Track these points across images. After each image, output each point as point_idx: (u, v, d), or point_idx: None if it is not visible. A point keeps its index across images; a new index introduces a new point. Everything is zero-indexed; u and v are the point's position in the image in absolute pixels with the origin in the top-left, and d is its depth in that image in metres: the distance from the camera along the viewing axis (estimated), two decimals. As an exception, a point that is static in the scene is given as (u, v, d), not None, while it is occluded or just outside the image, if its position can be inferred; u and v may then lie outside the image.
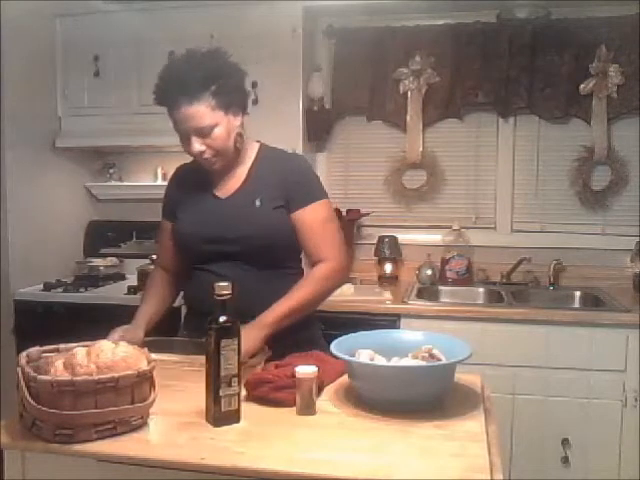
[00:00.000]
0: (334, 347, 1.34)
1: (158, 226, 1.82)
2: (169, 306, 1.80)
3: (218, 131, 1.56)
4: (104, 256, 3.17)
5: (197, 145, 1.57)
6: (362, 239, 3.13)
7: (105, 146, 3.15)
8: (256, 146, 1.72)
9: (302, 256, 1.75)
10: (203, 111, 1.53)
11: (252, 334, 1.48)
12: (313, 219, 1.63)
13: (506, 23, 2.83)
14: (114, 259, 3.15)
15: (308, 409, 1.24)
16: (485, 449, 1.10)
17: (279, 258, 1.66)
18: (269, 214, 1.62)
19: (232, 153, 1.63)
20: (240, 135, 1.63)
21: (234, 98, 1.59)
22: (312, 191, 1.66)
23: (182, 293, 1.85)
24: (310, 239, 1.63)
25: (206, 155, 1.59)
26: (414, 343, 1.39)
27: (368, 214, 3.06)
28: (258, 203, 1.62)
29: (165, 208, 1.79)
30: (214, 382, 1.17)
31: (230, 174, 1.68)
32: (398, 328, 2.42)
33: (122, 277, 3.06)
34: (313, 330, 1.75)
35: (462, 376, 1.41)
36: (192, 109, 1.52)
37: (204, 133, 1.55)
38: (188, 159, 1.83)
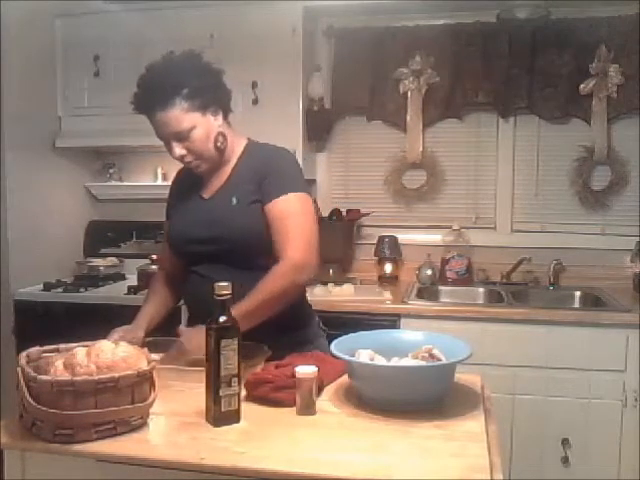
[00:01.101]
0: (334, 347, 1.34)
1: (162, 224, 1.83)
2: (171, 307, 1.80)
3: (196, 133, 1.56)
4: (104, 256, 3.17)
5: (177, 149, 1.57)
6: (362, 239, 3.13)
7: (105, 146, 3.15)
8: (243, 143, 1.69)
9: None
10: (177, 115, 1.53)
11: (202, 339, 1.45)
12: (281, 212, 1.56)
13: (506, 23, 2.83)
14: (114, 259, 3.15)
15: (308, 409, 1.24)
16: (485, 449, 1.10)
17: (262, 258, 1.59)
18: (245, 212, 1.58)
19: (214, 154, 1.61)
20: (222, 135, 1.61)
21: (211, 98, 1.58)
22: (284, 183, 1.59)
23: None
24: (276, 232, 1.56)
25: (188, 159, 1.59)
26: (414, 343, 1.39)
27: (368, 214, 3.06)
28: (234, 201, 1.60)
29: (166, 210, 1.81)
30: (214, 382, 1.17)
31: (216, 174, 1.67)
32: (398, 328, 2.42)
33: (122, 277, 3.06)
34: (312, 330, 1.74)
35: (462, 376, 1.41)
36: (166, 115, 1.53)
37: (182, 137, 1.55)
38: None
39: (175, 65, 1.57)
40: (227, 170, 1.67)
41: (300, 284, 1.59)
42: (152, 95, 1.53)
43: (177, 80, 1.53)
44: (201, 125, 1.56)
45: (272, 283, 1.52)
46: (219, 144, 1.61)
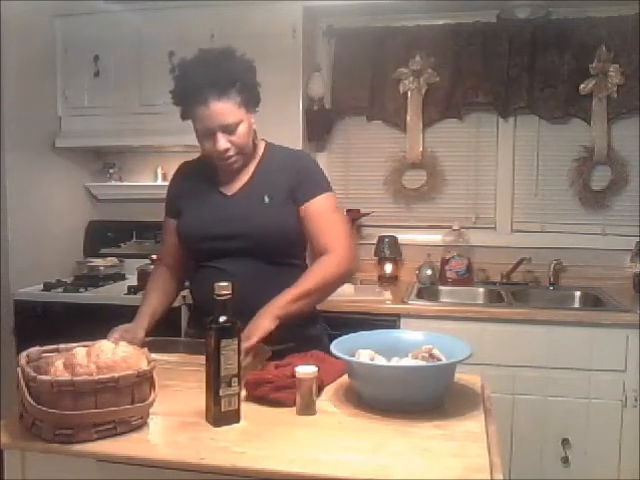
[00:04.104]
0: (334, 347, 1.34)
1: (162, 224, 1.82)
2: (172, 302, 1.80)
3: (242, 128, 1.58)
4: (104, 256, 3.16)
5: (223, 142, 1.57)
6: (362, 239, 3.13)
7: (105, 146, 3.15)
8: (262, 143, 1.74)
9: (306, 252, 1.76)
10: (230, 108, 1.55)
11: (260, 321, 1.49)
12: (320, 211, 1.65)
13: (506, 23, 2.83)
14: (114, 259, 3.14)
15: (308, 409, 1.24)
16: (485, 449, 1.10)
17: (286, 253, 1.67)
18: (278, 210, 1.63)
19: (251, 150, 1.66)
20: (255, 132, 1.66)
21: (252, 95, 1.61)
22: (318, 184, 1.68)
23: (183, 291, 1.86)
24: (317, 230, 1.64)
25: (230, 152, 1.60)
26: (414, 343, 1.39)
27: (368, 214, 3.06)
28: (267, 199, 1.63)
29: (168, 206, 1.79)
30: (214, 382, 1.17)
31: (238, 171, 1.68)
32: (398, 328, 2.42)
33: (122, 277, 3.06)
34: (317, 329, 1.76)
35: (462, 376, 1.42)
36: (221, 105, 1.54)
37: (230, 130, 1.57)
38: (188, 159, 1.83)
39: (222, 59, 1.57)
40: (250, 168, 1.69)
41: (352, 273, 1.75)
42: (206, 85, 1.53)
43: (230, 73, 1.55)
44: (246, 121, 1.59)
45: (325, 272, 1.61)
46: (255, 141, 1.67)
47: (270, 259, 1.64)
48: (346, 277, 1.71)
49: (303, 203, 1.64)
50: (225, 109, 1.54)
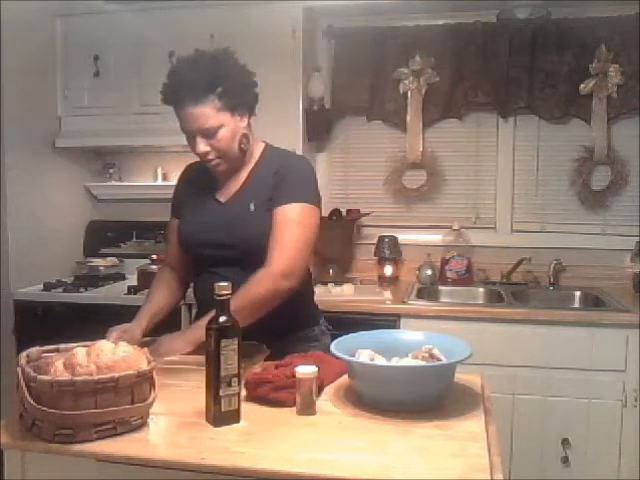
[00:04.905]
0: (334, 347, 1.34)
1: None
2: (176, 303, 1.80)
3: (223, 132, 1.56)
4: (104, 256, 3.16)
5: (202, 146, 1.57)
6: (362, 239, 3.13)
7: (105, 146, 3.15)
8: (261, 147, 1.71)
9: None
10: (208, 112, 1.53)
11: (177, 345, 1.51)
12: (280, 219, 1.57)
13: (506, 23, 2.83)
14: (114, 259, 3.14)
15: (308, 409, 1.24)
16: (485, 449, 1.10)
17: None
18: (263, 218, 1.59)
19: (236, 155, 1.63)
20: (246, 136, 1.63)
21: (241, 100, 1.59)
22: (294, 192, 1.60)
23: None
24: (271, 238, 1.57)
25: (210, 156, 1.59)
26: (414, 343, 1.39)
27: (368, 214, 3.06)
28: (252, 207, 1.61)
29: (173, 207, 1.80)
30: (214, 382, 1.17)
31: (233, 176, 1.67)
32: (398, 328, 2.42)
33: (122, 277, 3.05)
34: (318, 329, 1.76)
35: (462, 376, 1.42)
36: (197, 110, 1.53)
37: (209, 134, 1.56)
38: (188, 159, 1.84)
39: (211, 62, 1.56)
40: (244, 173, 1.67)
41: (280, 292, 1.54)
42: (185, 89, 1.52)
43: (212, 77, 1.53)
44: (229, 125, 1.57)
45: (251, 290, 1.52)
46: (242, 146, 1.63)
47: (258, 268, 1.56)
48: (278, 293, 1.54)
49: (273, 207, 1.58)
50: (202, 113, 1.53)
